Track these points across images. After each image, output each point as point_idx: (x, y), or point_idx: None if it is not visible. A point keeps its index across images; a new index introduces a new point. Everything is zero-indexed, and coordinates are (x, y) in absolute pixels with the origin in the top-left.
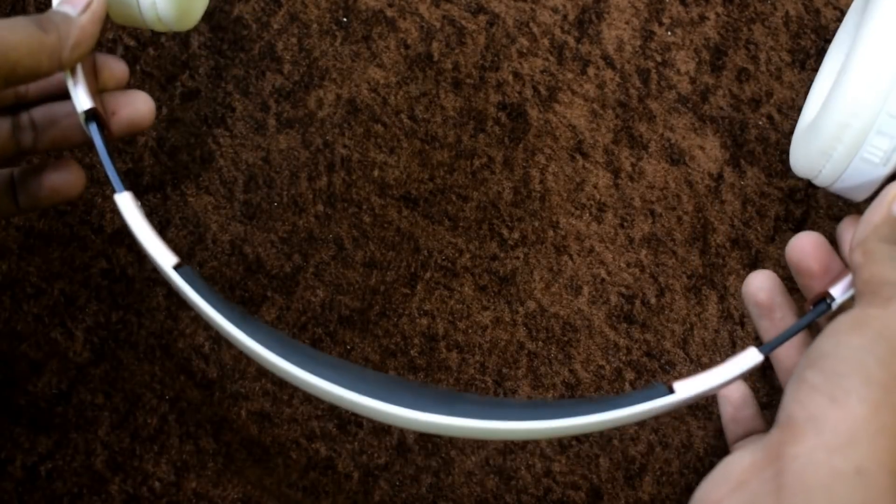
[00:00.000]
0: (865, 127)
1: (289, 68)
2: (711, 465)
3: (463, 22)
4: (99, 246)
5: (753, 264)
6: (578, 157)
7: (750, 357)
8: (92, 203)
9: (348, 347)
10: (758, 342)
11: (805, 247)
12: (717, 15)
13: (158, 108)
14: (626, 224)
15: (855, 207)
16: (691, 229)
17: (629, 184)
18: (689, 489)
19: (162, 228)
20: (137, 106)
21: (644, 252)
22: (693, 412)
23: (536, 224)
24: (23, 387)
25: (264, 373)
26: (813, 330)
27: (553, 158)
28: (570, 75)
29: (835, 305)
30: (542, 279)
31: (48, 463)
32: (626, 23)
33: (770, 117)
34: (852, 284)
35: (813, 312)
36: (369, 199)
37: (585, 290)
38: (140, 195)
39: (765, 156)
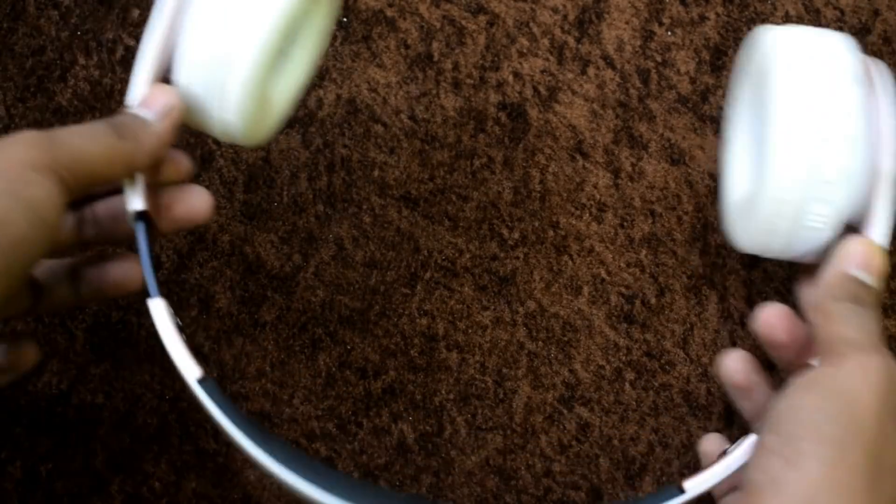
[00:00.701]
0: (802, 198)
1: None
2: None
3: (463, 22)
4: (99, 246)
5: (753, 264)
6: (578, 157)
7: (752, 443)
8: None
9: (348, 347)
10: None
11: (771, 320)
12: (717, 15)
13: None
14: (626, 224)
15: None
16: (691, 229)
17: (629, 184)
18: None
19: None
20: (194, 203)
21: (644, 252)
22: (693, 412)
23: (536, 224)
24: (23, 387)
25: (264, 373)
26: None
27: (553, 158)
28: (570, 75)
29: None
30: (542, 279)
31: (48, 463)
32: (626, 23)
33: None
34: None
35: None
36: (369, 199)
37: (585, 290)
38: None
39: None
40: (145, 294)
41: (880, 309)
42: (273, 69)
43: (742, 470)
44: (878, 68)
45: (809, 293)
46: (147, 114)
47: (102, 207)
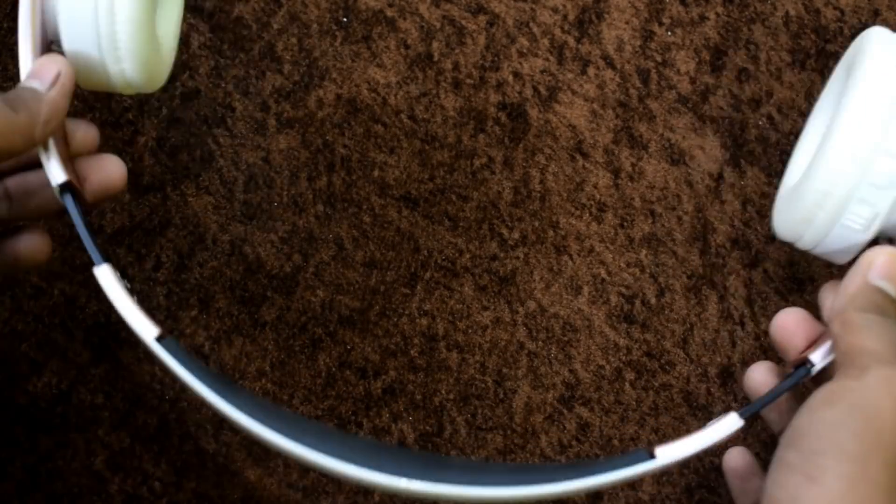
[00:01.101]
0: (846, 195)
1: (289, 68)
2: (711, 465)
3: (463, 22)
4: (99, 246)
5: (753, 264)
6: (578, 157)
7: (730, 422)
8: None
9: (348, 347)
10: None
11: (788, 324)
12: (717, 15)
13: (159, 109)
14: (626, 224)
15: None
16: (691, 229)
17: (629, 184)
18: (689, 489)
19: (162, 228)
20: (109, 171)
21: (644, 252)
22: (693, 412)
23: (536, 224)
24: (23, 387)
25: (264, 373)
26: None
27: (553, 158)
28: (570, 75)
29: (815, 371)
30: (542, 279)
31: (48, 463)
32: (626, 23)
33: (770, 117)
34: (832, 350)
35: (793, 377)
36: (369, 199)
37: (585, 290)
38: (140, 195)
39: (765, 156)
40: (90, 263)
41: None
42: (152, 6)
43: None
44: None
45: (831, 299)
46: (37, 84)
47: (13, 183)
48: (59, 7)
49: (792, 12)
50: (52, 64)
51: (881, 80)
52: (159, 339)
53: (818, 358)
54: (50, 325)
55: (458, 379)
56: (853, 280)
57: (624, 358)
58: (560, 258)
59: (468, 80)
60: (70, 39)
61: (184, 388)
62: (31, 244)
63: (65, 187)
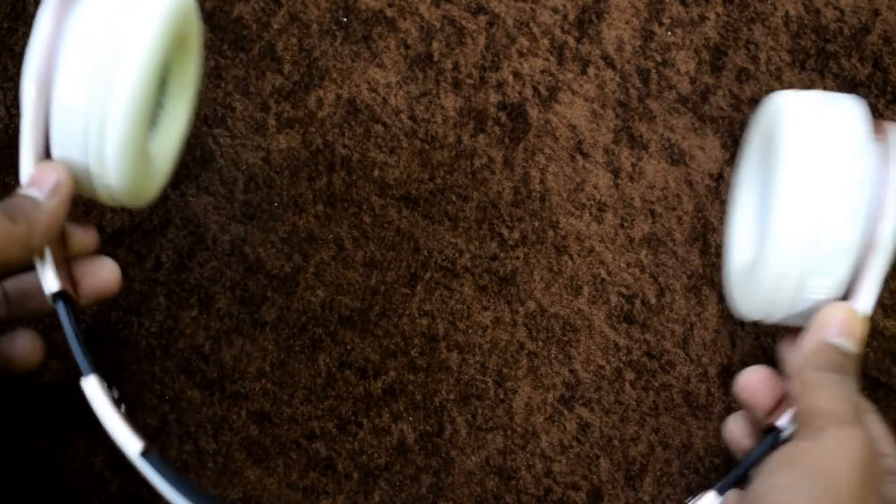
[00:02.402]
0: (804, 272)
1: (289, 68)
2: (712, 465)
3: (463, 22)
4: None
5: None
6: (578, 157)
7: (707, 501)
8: (92, 203)
9: (348, 347)
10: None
11: (754, 384)
12: (717, 15)
13: None
14: (626, 224)
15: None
16: (691, 229)
17: (629, 184)
18: (690, 489)
19: (162, 228)
20: (102, 276)
21: (644, 252)
22: (693, 412)
23: (536, 224)
24: (23, 387)
25: (264, 373)
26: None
27: (553, 158)
28: (570, 75)
29: (783, 436)
30: (542, 279)
31: (48, 463)
32: (626, 23)
33: None
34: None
35: (761, 446)
36: (369, 199)
37: (585, 290)
38: None
39: None
40: (78, 372)
41: (859, 376)
42: (147, 125)
43: None
44: (892, 132)
45: (791, 357)
46: (37, 193)
47: (11, 285)
48: (52, 115)
49: (792, 12)
50: (52, 172)
51: (809, 153)
52: (144, 455)
53: (785, 422)
54: (50, 325)
55: (458, 379)
56: (810, 339)
57: (624, 358)
58: (560, 258)
59: (468, 80)
60: (60, 148)
61: (183, 390)
62: (25, 348)
63: (58, 296)
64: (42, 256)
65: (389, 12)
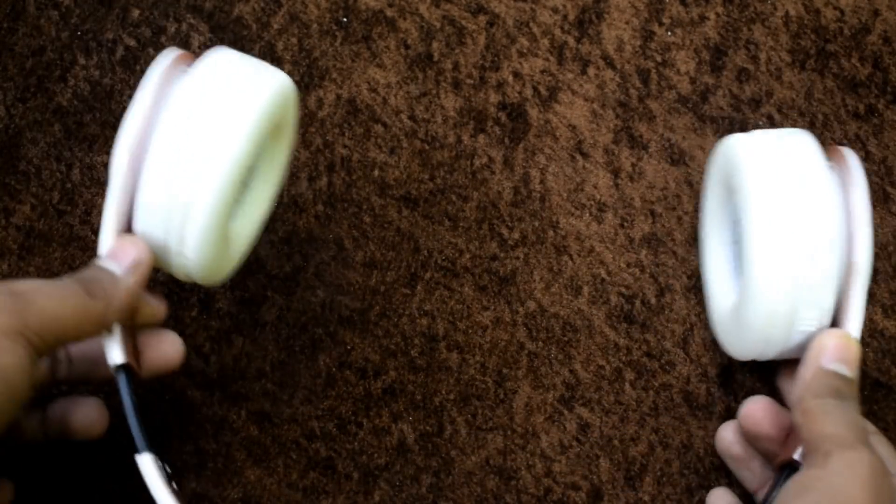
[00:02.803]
0: (793, 308)
1: (289, 68)
2: (712, 466)
3: (463, 22)
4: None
5: None
6: (578, 157)
7: None
8: (92, 203)
9: (348, 348)
10: None
11: (756, 414)
12: (717, 15)
13: None
14: (626, 224)
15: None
16: (691, 229)
17: (629, 184)
18: (690, 489)
19: None
20: (166, 350)
21: (644, 252)
22: (693, 412)
23: (536, 224)
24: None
25: (264, 373)
26: None
27: (553, 158)
28: (570, 75)
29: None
30: (542, 279)
31: (48, 463)
32: (626, 23)
33: (770, 117)
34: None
35: (781, 480)
36: (369, 199)
37: (585, 290)
38: None
39: None
40: (133, 448)
41: (859, 400)
42: (231, 210)
43: None
44: (847, 156)
45: (790, 389)
46: (116, 267)
47: (76, 350)
48: (139, 190)
49: (792, 12)
50: (132, 248)
51: (774, 192)
52: None
53: (800, 456)
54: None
55: (458, 379)
56: (808, 368)
57: (624, 358)
58: (560, 258)
59: (468, 80)
60: (142, 223)
61: (184, 390)
62: (89, 417)
63: (121, 368)
64: (110, 331)
65: (389, 12)
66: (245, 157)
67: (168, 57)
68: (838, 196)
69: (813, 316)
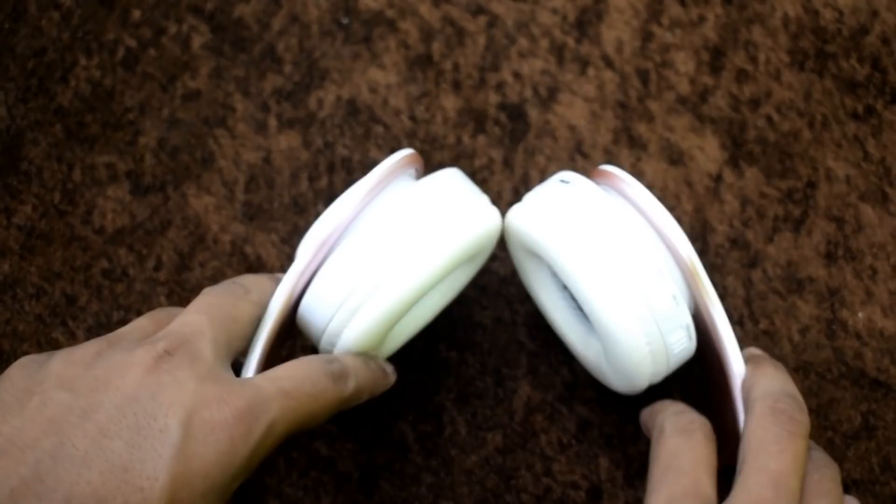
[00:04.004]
0: (661, 341)
1: (289, 69)
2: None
3: (463, 22)
4: (100, 246)
5: (752, 264)
6: (578, 157)
7: None
8: (93, 203)
9: None
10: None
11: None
12: (717, 16)
13: (160, 109)
14: None
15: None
16: (691, 229)
17: None
18: None
19: (163, 228)
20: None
21: None
22: None
23: None
24: None
25: None
26: None
27: (553, 159)
28: (569, 76)
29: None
30: None
31: None
32: (626, 23)
33: (769, 118)
34: None
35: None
36: None
37: None
38: (141, 195)
39: (764, 156)
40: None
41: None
42: (394, 325)
43: None
44: (613, 171)
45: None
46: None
47: None
48: (319, 274)
49: (791, 13)
50: (355, 381)
51: (578, 245)
52: None
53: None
54: (51, 325)
55: (458, 379)
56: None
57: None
58: None
59: (468, 81)
60: (305, 308)
61: None
62: None
63: None
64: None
65: (389, 13)
66: (427, 287)
67: (399, 155)
68: (630, 211)
69: (681, 335)
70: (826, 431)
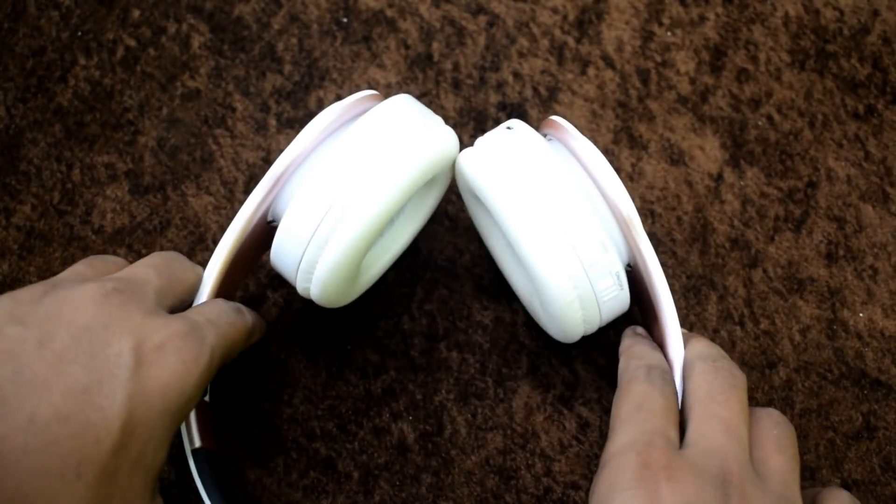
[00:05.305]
0: (588, 289)
1: (289, 69)
2: None
3: (463, 22)
4: (99, 246)
5: (753, 264)
6: None
7: None
8: (93, 203)
9: (348, 348)
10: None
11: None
12: (717, 15)
13: (160, 109)
14: None
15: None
16: (691, 229)
17: (629, 184)
18: None
19: (162, 228)
20: None
21: None
22: None
23: None
24: None
25: (264, 373)
26: None
27: None
28: (569, 75)
29: None
30: None
31: None
32: (626, 23)
33: (770, 117)
34: None
35: None
36: None
37: None
38: (140, 195)
39: (764, 156)
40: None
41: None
42: (366, 251)
43: None
44: (559, 121)
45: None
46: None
47: None
48: (287, 209)
49: (791, 13)
50: (250, 319)
51: (510, 191)
52: None
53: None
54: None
55: (458, 379)
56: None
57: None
58: None
59: (468, 81)
60: (280, 243)
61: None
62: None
63: (199, 451)
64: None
65: (389, 12)
66: (391, 210)
67: (357, 95)
68: (567, 163)
69: (611, 282)
70: (827, 432)
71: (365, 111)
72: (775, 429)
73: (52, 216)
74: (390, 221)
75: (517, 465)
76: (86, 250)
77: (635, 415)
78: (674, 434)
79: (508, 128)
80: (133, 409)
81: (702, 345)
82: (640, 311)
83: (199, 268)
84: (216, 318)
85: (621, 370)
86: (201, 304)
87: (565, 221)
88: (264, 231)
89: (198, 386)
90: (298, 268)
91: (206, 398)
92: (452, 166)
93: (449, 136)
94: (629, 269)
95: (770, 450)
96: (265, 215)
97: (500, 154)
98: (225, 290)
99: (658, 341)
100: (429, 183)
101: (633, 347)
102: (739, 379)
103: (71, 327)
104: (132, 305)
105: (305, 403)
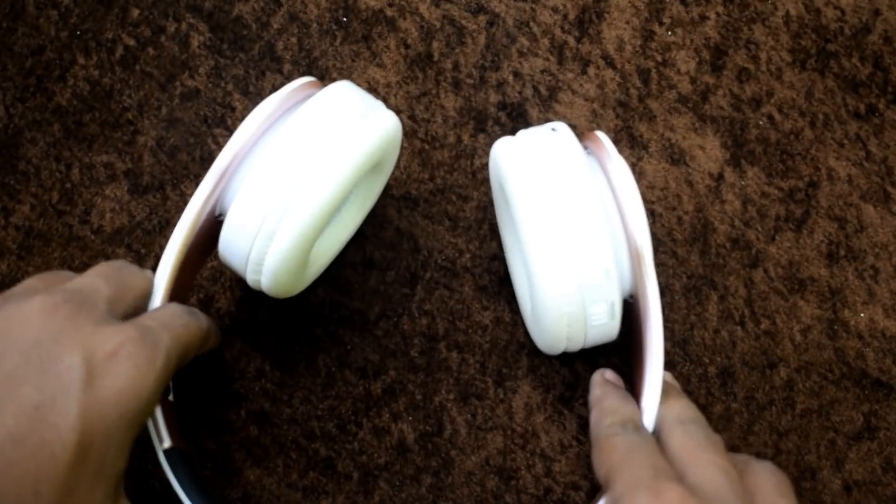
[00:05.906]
0: (580, 308)
1: (289, 68)
2: None
3: (463, 22)
4: (98, 246)
5: (753, 264)
6: None
7: None
8: (92, 203)
9: (348, 347)
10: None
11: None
12: (718, 15)
13: (159, 109)
14: None
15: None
16: (691, 229)
17: None
18: None
19: (162, 228)
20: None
21: None
22: None
23: None
24: None
25: (264, 373)
26: None
27: None
28: (570, 75)
29: None
30: None
31: None
32: (627, 22)
33: (770, 117)
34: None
35: None
36: None
37: None
38: (140, 195)
39: (765, 156)
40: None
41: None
42: (315, 240)
43: None
44: (601, 138)
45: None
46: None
47: None
48: (234, 201)
49: (792, 12)
50: (205, 322)
51: (536, 194)
52: None
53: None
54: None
55: (458, 379)
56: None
57: (624, 357)
58: None
59: (468, 80)
60: (228, 235)
61: (184, 389)
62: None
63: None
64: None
65: (389, 12)
66: (338, 197)
67: (297, 82)
68: (602, 183)
69: (603, 310)
70: (828, 432)
71: (306, 98)
72: (773, 478)
73: (51, 216)
74: (337, 208)
75: (517, 465)
76: (85, 250)
77: (629, 458)
78: (676, 473)
79: (553, 129)
80: (88, 421)
81: (679, 405)
82: (630, 343)
83: (149, 272)
84: (169, 321)
85: (594, 424)
86: (154, 309)
87: (578, 237)
88: (213, 227)
89: (155, 389)
90: (248, 260)
91: (171, 398)
92: (397, 149)
93: (391, 120)
94: (630, 300)
95: (773, 496)
96: (213, 210)
97: (536, 151)
98: (179, 289)
99: (636, 379)
100: (374, 168)
101: (603, 401)
102: (718, 438)
103: (20, 343)
104: (82, 316)
105: (305, 403)
